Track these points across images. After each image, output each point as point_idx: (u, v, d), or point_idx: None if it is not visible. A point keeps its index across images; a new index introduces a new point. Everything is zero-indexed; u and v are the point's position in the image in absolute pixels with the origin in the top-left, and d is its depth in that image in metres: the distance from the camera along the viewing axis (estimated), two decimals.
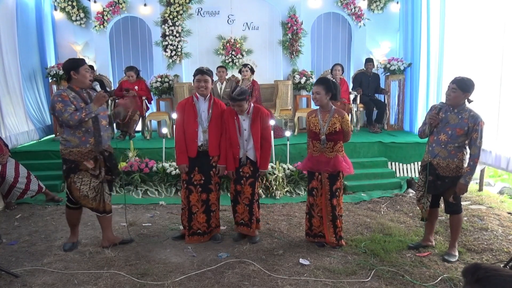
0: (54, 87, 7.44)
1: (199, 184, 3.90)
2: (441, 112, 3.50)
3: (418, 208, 3.82)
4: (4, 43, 6.37)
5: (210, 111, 3.86)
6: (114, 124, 7.11)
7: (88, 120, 3.56)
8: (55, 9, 7.94)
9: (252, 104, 3.93)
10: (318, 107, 3.79)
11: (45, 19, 7.75)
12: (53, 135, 7.60)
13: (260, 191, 4.11)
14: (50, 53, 7.98)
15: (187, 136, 3.84)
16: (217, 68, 7.28)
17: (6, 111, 6.34)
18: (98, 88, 3.77)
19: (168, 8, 7.60)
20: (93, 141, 3.61)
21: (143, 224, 4.50)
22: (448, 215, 3.70)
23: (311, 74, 7.78)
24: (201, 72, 3.82)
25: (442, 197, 3.67)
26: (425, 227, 3.84)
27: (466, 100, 3.42)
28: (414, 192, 5.18)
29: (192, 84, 3.97)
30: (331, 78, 4.18)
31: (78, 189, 3.64)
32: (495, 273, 1.21)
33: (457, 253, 3.62)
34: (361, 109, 7.60)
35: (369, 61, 7.68)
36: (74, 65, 3.65)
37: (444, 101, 3.53)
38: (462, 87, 3.35)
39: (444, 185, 3.51)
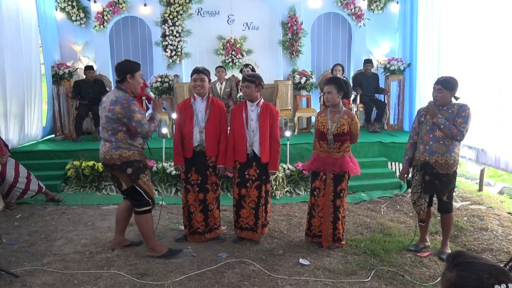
0: (54, 87, 7.44)
1: (196, 184, 3.90)
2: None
3: (415, 210, 3.77)
4: (22, 44, 6.52)
5: (208, 111, 3.84)
6: None
7: None
8: (55, 9, 7.94)
9: (262, 99, 3.90)
10: (322, 107, 3.79)
11: (49, 20, 7.74)
12: (53, 135, 7.60)
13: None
14: (54, 53, 7.98)
15: (184, 136, 3.85)
16: (216, 68, 7.28)
17: (12, 113, 6.37)
18: (151, 94, 3.71)
19: (168, 8, 7.61)
20: (143, 143, 3.62)
21: None
22: (440, 214, 3.71)
23: (311, 74, 7.79)
24: (197, 72, 3.81)
25: (436, 196, 3.67)
26: (420, 228, 3.81)
27: (452, 98, 3.46)
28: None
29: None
30: (342, 77, 4.10)
31: (152, 186, 3.66)
32: (473, 260, 1.21)
33: (450, 251, 3.64)
34: (361, 109, 7.61)
35: (368, 62, 7.68)
36: (131, 68, 3.47)
37: (431, 100, 3.55)
38: (447, 86, 3.40)
39: (442, 184, 3.52)
